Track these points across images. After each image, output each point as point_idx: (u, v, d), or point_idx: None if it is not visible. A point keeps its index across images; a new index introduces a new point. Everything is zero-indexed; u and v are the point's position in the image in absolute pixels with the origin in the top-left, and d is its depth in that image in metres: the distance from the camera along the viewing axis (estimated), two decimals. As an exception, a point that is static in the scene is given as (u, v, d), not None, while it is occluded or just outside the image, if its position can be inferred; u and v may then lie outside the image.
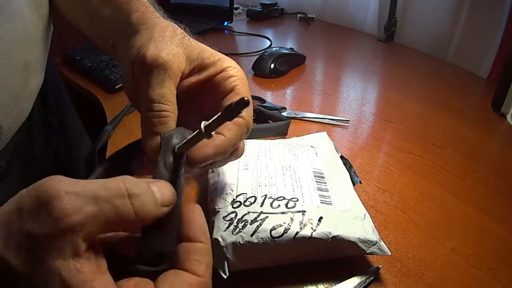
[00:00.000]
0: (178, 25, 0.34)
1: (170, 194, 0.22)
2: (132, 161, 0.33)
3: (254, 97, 0.67)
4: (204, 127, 0.23)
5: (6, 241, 0.17)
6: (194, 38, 0.33)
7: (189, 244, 0.22)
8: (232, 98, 0.29)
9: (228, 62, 0.31)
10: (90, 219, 0.18)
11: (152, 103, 0.27)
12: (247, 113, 0.29)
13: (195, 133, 0.24)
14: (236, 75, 0.30)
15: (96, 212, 0.18)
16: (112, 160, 0.32)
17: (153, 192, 0.21)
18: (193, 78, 0.31)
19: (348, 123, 0.61)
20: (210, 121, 0.22)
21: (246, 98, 0.21)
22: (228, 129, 0.28)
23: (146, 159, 0.30)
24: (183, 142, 0.25)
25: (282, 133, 0.55)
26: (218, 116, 0.22)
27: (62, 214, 0.18)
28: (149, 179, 0.23)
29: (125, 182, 0.20)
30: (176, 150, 0.25)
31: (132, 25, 0.33)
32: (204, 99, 0.32)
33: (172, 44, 0.30)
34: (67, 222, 0.18)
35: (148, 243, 0.22)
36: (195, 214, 0.24)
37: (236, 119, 0.27)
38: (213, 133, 0.23)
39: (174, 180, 0.24)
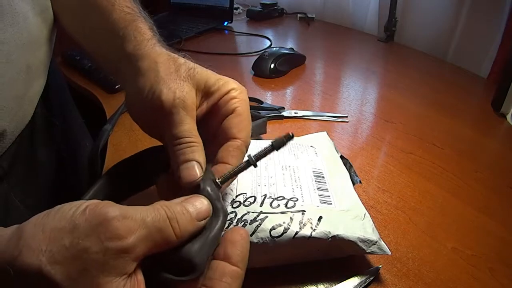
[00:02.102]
0: (175, 53, 0.34)
1: (205, 208, 0.24)
2: (134, 175, 0.34)
3: (251, 99, 0.67)
4: (255, 158, 0.26)
5: (53, 255, 0.18)
6: (194, 61, 0.33)
7: (225, 265, 0.23)
8: (233, 119, 0.31)
9: (231, 84, 0.32)
10: (141, 241, 0.20)
11: (179, 139, 0.28)
12: (245, 133, 0.31)
13: (243, 164, 0.27)
14: (237, 97, 0.31)
15: (146, 235, 0.20)
16: (109, 175, 0.33)
17: (188, 211, 0.23)
18: (203, 106, 0.32)
19: (346, 119, 0.62)
20: (258, 153, 0.26)
21: (291, 134, 0.24)
22: (232, 156, 0.29)
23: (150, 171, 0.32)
24: (229, 173, 0.27)
25: (260, 132, 0.54)
26: (266, 149, 0.25)
27: (118, 236, 0.19)
28: (181, 198, 0.24)
29: (163, 207, 0.22)
30: (218, 180, 0.27)
31: (131, 57, 0.33)
32: (209, 122, 0.33)
33: (180, 80, 0.30)
34: (122, 244, 0.19)
35: (178, 252, 0.22)
36: (241, 238, 0.24)
37: (234, 142, 0.30)
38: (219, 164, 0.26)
39: (213, 202, 0.25)
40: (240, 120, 0.31)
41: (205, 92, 0.31)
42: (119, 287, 0.19)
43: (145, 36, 0.34)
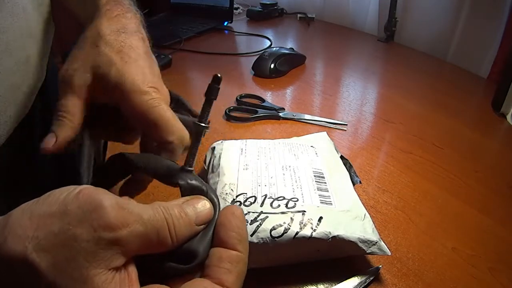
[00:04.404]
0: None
1: (206, 211, 0.22)
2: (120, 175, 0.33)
3: (252, 96, 0.68)
4: (200, 120, 0.24)
5: (40, 242, 0.17)
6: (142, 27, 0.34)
7: (222, 250, 0.21)
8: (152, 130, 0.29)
9: (127, 81, 0.29)
10: (135, 237, 0.19)
11: (57, 111, 0.30)
12: (176, 135, 0.29)
13: (195, 136, 0.25)
14: (153, 97, 0.29)
15: (142, 232, 0.19)
16: (99, 172, 0.32)
17: (186, 214, 0.21)
18: (116, 94, 0.30)
19: (346, 127, 0.60)
20: (200, 115, 0.24)
21: (218, 75, 0.22)
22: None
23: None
24: (189, 154, 0.26)
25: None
26: (205, 105, 0.23)
27: (112, 225, 0.18)
28: (181, 199, 0.23)
29: (161, 207, 0.20)
30: (188, 167, 0.26)
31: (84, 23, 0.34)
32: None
33: (82, 59, 0.31)
34: (115, 235, 0.18)
35: (178, 248, 0.21)
36: (234, 218, 0.22)
37: (168, 146, 0.29)
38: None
39: (203, 193, 0.24)
40: (161, 129, 0.29)
41: (100, 78, 0.30)
42: (107, 280, 0.18)
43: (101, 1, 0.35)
